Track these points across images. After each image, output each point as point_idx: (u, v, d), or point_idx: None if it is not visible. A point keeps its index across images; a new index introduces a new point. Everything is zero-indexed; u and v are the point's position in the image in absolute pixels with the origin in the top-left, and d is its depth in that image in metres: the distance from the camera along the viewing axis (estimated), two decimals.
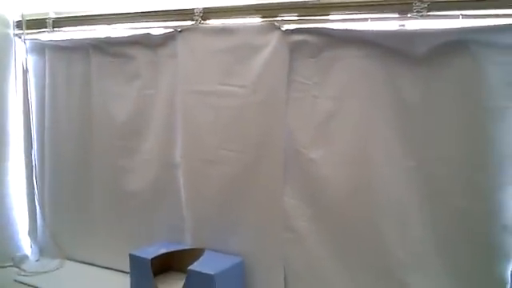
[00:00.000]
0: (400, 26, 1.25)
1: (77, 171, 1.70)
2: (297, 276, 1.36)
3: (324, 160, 1.29)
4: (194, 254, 1.43)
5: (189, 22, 1.46)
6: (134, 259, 1.43)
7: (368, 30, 1.24)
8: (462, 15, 1.14)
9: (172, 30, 1.48)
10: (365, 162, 1.24)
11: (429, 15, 1.17)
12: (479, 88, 1.13)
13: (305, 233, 1.33)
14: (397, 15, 1.22)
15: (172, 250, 1.47)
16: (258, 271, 1.39)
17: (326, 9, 1.31)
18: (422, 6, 1.17)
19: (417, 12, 1.18)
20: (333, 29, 1.28)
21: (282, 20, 1.34)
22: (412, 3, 1.18)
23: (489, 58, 1.12)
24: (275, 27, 1.32)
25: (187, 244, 1.51)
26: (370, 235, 1.25)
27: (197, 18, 1.44)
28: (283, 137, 1.33)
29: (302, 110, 1.31)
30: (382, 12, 1.24)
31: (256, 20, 1.38)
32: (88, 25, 1.64)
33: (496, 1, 1.12)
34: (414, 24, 1.21)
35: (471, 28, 1.13)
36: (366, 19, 1.25)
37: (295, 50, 1.31)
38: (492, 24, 1.12)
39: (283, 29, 1.32)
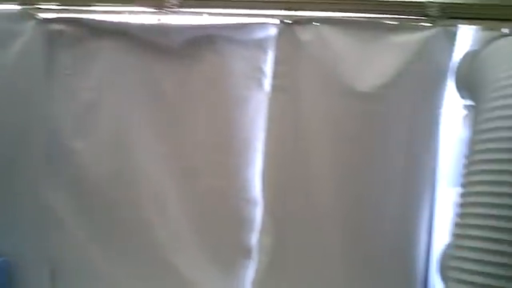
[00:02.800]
0: (158, 20, 1.31)
1: None
2: (65, 271, 1.34)
3: (87, 150, 1.29)
4: None
5: None
6: None
7: (126, 23, 1.28)
8: (208, 13, 1.25)
9: None
10: (125, 150, 1.29)
11: (180, 11, 1.26)
12: (225, 79, 1.26)
13: (71, 226, 1.32)
14: (153, 10, 1.28)
15: None
16: (24, 270, 1.33)
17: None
18: (174, 2, 1.25)
19: (169, 7, 1.25)
20: (92, 19, 1.28)
21: (39, 8, 1.29)
22: None
23: (232, 52, 1.25)
24: (30, 15, 1.27)
25: None
26: (135, 222, 1.30)
27: None
28: (45, 129, 1.29)
29: (63, 101, 1.29)
30: (141, 5, 1.28)
31: (12, 7, 1.30)
32: None
33: (239, 2, 1.25)
34: (169, 19, 1.29)
35: (216, 25, 1.25)
36: (124, 12, 1.29)
37: (54, 40, 1.28)
38: (233, 22, 1.25)
39: (39, 18, 1.27)
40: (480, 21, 1.15)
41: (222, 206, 1.28)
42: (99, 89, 1.29)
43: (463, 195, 0.93)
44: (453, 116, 1.21)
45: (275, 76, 1.25)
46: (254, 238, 1.29)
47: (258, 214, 1.29)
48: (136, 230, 1.30)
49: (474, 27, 1.16)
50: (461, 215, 0.93)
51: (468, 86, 1.07)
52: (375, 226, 1.21)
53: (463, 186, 0.93)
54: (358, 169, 1.21)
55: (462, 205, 0.93)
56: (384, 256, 1.20)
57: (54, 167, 1.31)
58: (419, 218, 1.20)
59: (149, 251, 1.31)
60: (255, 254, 1.28)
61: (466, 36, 1.17)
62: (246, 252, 1.29)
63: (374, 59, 1.19)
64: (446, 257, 0.99)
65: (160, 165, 1.29)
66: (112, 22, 1.28)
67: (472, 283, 0.84)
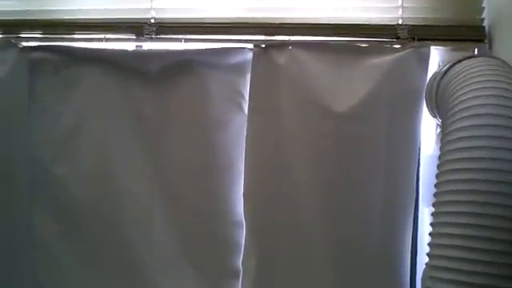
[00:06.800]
0: (137, 46, 1.34)
1: None
2: None
3: (70, 175, 1.30)
4: None
5: None
6: None
7: (107, 49, 1.31)
8: (184, 39, 1.28)
9: None
10: (109, 174, 1.30)
11: (158, 38, 1.29)
12: (205, 103, 1.28)
13: (56, 250, 1.32)
14: (133, 36, 1.31)
15: None
16: None
17: (68, 27, 1.33)
18: (151, 29, 1.28)
19: (147, 34, 1.28)
20: (72, 47, 1.31)
21: (21, 37, 1.32)
22: (142, 26, 1.28)
23: (211, 76, 1.28)
24: (12, 44, 1.30)
25: None
26: (120, 245, 1.31)
27: None
28: (26, 155, 1.31)
29: (46, 126, 1.31)
30: (119, 33, 1.31)
31: None
32: None
33: (215, 27, 1.28)
34: (148, 45, 1.32)
35: (194, 50, 1.28)
36: (103, 39, 1.31)
37: (36, 67, 1.31)
38: (211, 47, 1.28)
39: (21, 46, 1.30)
40: (449, 42, 1.18)
41: (207, 228, 1.29)
42: (81, 114, 1.31)
43: (434, 215, 0.94)
44: (428, 133, 1.23)
45: (252, 98, 1.27)
46: (240, 260, 1.29)
47: (242, 235, 1.29)
48: (121, 252, 1.30)
49: (443, 48, 1.19)
50: (433, 235, 0.94)
51: (436, 105, 1.09)
52: (358, 242, 1.21)
53: (434, 205, 0.95)
54: (339, 186, 1.22)
55: (434, 224, 0.94)
56: (370, 271, 1.21)
57: (38, 191, 1.31)
58: (401, 234, 1.21)
59: (134, 273, 1.31)
60: (241, 276, 1.28)
61: (437, 56, 1.20)
62: (232, 274, 1.29)
63: (349, 80, 1.21)
64: (424, 277, 0.99)
65: (143, 187, 1.30)
66: (92, 49, 1.31)
67: None
